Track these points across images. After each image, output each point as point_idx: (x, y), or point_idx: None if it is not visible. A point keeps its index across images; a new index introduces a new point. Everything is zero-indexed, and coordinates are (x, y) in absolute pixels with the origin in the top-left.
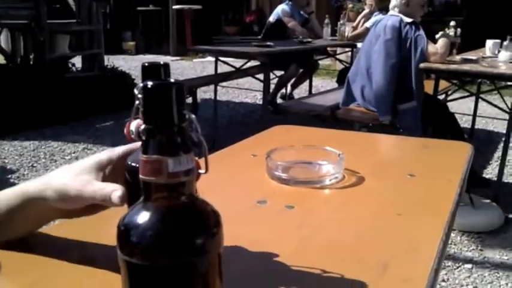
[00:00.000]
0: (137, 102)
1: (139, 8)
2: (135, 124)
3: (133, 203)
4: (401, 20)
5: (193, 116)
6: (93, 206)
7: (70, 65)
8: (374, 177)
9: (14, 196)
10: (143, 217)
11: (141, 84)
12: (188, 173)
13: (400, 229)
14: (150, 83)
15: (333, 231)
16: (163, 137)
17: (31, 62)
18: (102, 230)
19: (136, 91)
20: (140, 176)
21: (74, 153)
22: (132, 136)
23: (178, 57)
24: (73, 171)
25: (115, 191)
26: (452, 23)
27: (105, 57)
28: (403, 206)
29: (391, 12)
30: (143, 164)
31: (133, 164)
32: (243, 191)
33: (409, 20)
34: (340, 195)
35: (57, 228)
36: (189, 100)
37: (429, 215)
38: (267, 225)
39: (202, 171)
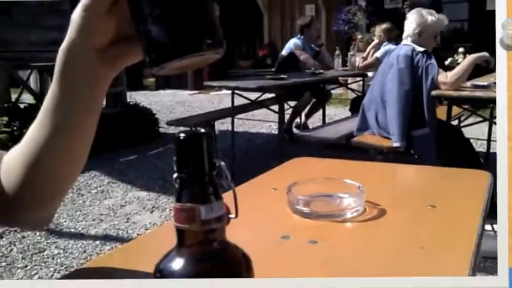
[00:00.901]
0: None
1: None
2: None
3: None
4: (413, 49)
5: (222, 163)
6: (124, 40)
7: None
8: (395, 209)
9: (55, 74)
10: (178, 264)
11: None
12: (220, 220)
13: (424, 263)
14: (182, 135)
15: (357, 266)
16: (195, 186)
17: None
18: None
19: None
20: (174, 223)
21: (99, 187)
22: None
23: (196, 91)
24: None
25: None
26: (460, 50)
27: (128, 94)
28: (426, 239)
29: (404, 41)
30: (177, 212)
31: None
32: (267, 226)
33: (421, 49)
34: (362, 229)
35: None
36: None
37: (453, 248)
38: (292, 262)
39: (232, 215)
